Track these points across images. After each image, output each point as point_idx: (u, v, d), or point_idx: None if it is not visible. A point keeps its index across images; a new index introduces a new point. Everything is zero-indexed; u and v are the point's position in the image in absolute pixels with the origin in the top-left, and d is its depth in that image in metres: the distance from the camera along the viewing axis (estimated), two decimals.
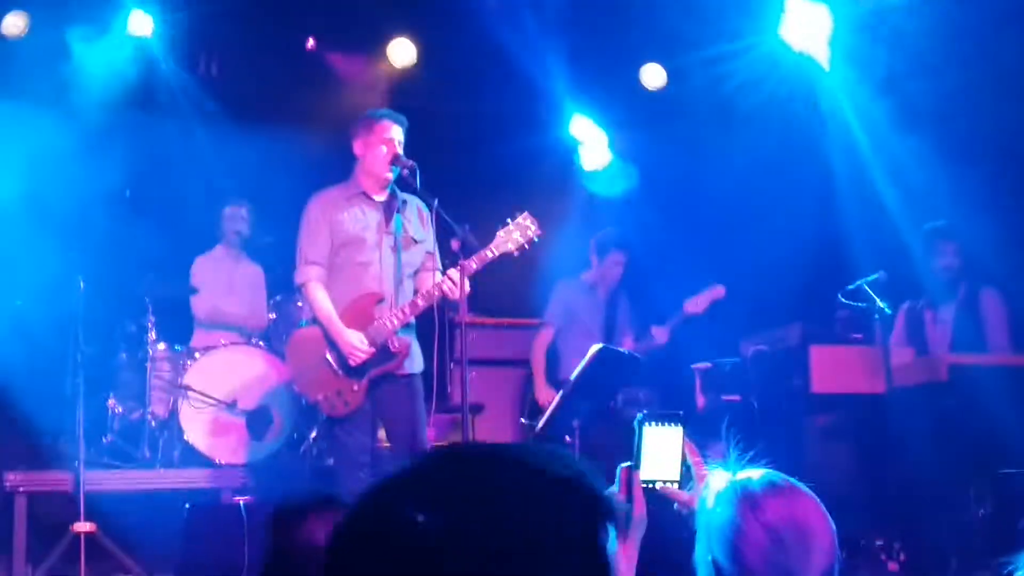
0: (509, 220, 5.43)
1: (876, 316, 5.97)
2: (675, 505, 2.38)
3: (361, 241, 5.43)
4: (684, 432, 2.40)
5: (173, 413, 6.75)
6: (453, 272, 5.18)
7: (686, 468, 2.39)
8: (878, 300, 5.83)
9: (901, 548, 5.48)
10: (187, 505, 5.69)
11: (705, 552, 2.07)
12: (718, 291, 7.08)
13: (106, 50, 7.40)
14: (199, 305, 7.46)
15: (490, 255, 5.32)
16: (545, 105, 8.79)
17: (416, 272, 5.54)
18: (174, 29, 7.53)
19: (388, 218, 5.49)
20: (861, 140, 7.84)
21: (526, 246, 5.41)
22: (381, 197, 5.52)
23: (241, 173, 7.75)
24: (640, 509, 2.19)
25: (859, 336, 6.40)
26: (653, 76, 8.66)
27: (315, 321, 5.53)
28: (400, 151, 5.42)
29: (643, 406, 7.60)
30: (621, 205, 8.65)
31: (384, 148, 5.40)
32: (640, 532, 2.17)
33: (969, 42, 6.96)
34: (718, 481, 2.14)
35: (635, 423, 2.34)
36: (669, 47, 8.48)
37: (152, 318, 6.88)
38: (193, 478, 6.62)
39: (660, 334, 7.07)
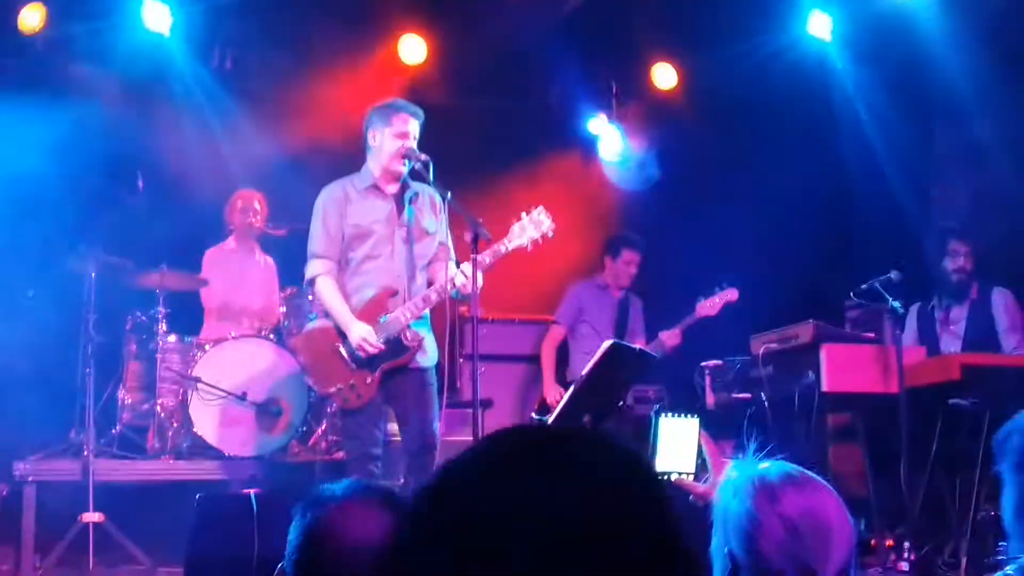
0: (524, 214, 5.40)
1: (888, 315, 5.94)
2: (691, 497, 2.37)
3: (373, 234, 5.40)
4: (700, 424, 2.39)
5: (183, 404, 6.75)
6: (466, 266, 5.16)
7: (701, 460, 2.38)
8: (890, 299, 5.80)
9: (912, 547, 5.45)
10: (197, 496, 5.69)
11: (722, 544, 2.06)
12: (732, 294, 7.06)
13: (121, 42, 7.41)
14: (210, 297, 7.46)
15: (503, 249, 5.29)
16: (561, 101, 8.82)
17: (429, 263, 5.50)
18: (190, 21, 7.52)
19: (400, 209, 5.45)
20: (874, 136, 7.84)
21: (540, 240, 5.37)
22: (393, 188, 5.48)
23: (254, 165, 7.76)
24: None
25: (871, 335, 6.38)
26: (664, 76, 8.66)
27: (325, 315, 5.52)
28: (415, 145, 5.39)
29: (653, 404, 7.59)
30: (634, 204, 8.65)
31: (398, 142, 5.37)
32: None
33: (984, 30, 6.96)
34: (735, 474, 2.13)
35: (652, 414, 2.33)
36: (680, 47, 8.48)
37: (163, 309, 6.87)
38: (202, 470, 6.63)
39: (670, 337, 7.05)
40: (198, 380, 6.62)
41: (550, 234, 5.39)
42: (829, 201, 8.38)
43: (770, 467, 2.09)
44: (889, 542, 5.67)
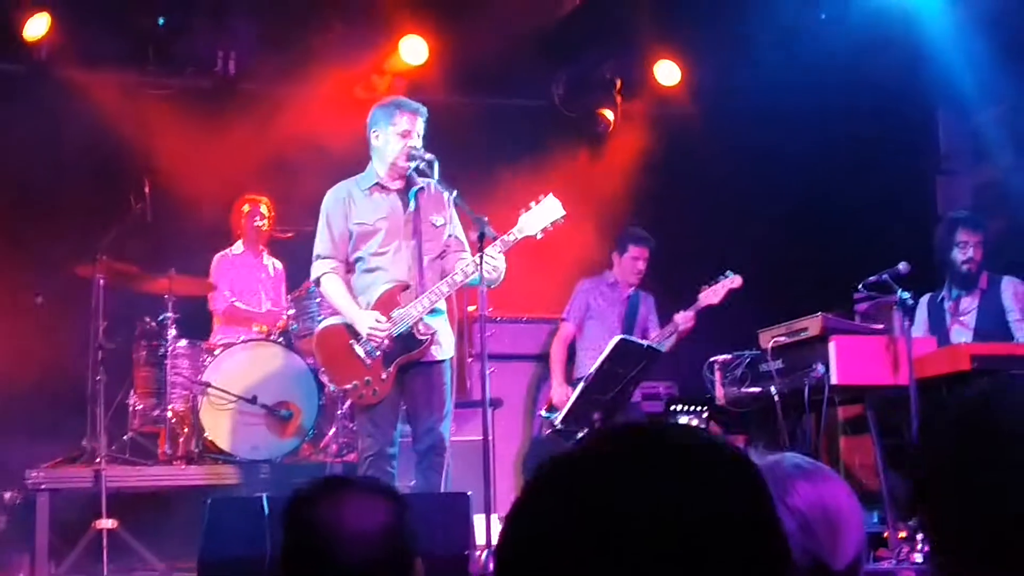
0: (532, 203, 5.35)
1: (898, 307, 5.92)
2: None
3: (379, 230, 5.38)
4: (709, 418, 2.38)
5: (193, 410, 6.76)
6: (490, 250, 5.11)
7: None
8: (900, 291, 5.78)
9: (925, 540, 5.43)
10: (207, 500, 5.69)
11: None
12: (735, 281, 7.02)
13: (124, 44, 7.43)
14: (218, 302, 7.47)
15: (513, 238, 5.27)
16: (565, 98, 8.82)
17: (440, 256, 5.46)
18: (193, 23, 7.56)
19: (406, 205, 5.43)
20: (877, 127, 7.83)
21: (550, 227, 5.32)
22: (398, 184, 5.46)
23: (261, 168, 7.76)
24: None
25: (880, 327, 6.35)
26: (666, 72, 8.67)
27: (334, 314, 5.51)
28: (420, 142, 5.37)
29: (662, 399, 7.58)
30: (640, 200, 8.64)
31: (402, 140, 5.35)
32: None
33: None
34: None
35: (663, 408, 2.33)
36: (682, 42, 8.48)
37: (172, 315, 6.88)
38: (214, 474, 6.63)
39: (685, 320, 7.01)
40: (208, 385, 6.63)
41: (561, 220, 5.33)
42: (838, 192, 8.37)
43: (781, 459, 2.09)
44: (902, 534, 5.65)
